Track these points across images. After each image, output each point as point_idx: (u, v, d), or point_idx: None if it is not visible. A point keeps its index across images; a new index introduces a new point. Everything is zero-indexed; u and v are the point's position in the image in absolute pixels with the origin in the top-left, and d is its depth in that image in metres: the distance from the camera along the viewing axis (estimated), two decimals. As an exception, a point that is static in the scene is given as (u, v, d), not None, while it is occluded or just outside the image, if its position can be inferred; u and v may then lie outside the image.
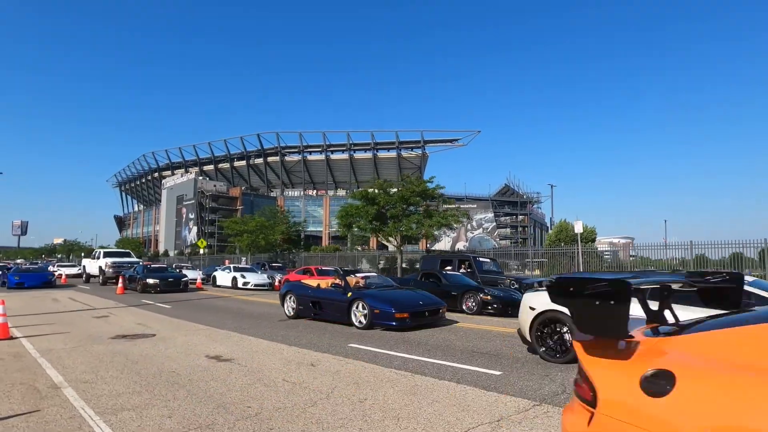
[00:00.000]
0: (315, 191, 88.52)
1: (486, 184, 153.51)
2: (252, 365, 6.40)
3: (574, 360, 6.21)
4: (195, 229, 75.44)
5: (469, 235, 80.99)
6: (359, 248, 46.30)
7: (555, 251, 22.75)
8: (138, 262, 24.51)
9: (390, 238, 26.53)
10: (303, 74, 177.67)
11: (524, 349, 7.30)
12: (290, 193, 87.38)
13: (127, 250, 30.16)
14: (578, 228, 18.59)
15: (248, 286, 22.06)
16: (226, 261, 34.37)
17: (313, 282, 11.54)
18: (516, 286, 15.34)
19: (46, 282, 23.93)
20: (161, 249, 79.57)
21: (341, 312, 9.84)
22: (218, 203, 78.38)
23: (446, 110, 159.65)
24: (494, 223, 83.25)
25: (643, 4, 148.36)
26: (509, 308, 12.43)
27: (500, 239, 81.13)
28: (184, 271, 24.38)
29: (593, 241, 23.59)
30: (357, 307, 9.52)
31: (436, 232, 27.36)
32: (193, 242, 72.41)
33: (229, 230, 40.27)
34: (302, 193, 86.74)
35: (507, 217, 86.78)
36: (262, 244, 35.98)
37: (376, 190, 25.97)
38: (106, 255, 25.14)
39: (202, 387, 5.29)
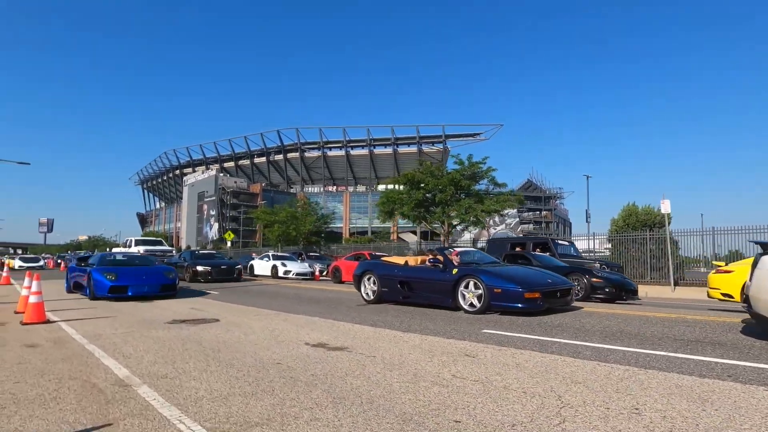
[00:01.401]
0: (335, 187, 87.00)
1: (508, 179, 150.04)
2: (383, 356, 4.53)
3: None
4: (216, 225, 74.53)
5: (492, 230, 78.52)
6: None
7: (624, 237, 20.49)
8: (171, 251, 23.08)
9: (435, 224, 24.53)
10: (324, 73, 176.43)
11: (738, 333, 5.29)
12: (310, 189, 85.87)
13: (159, 239, 28.83)
14: (665, 208, 16.33)
15: (290, 275, 20.27)
16: (254, 254, 32.73)
17: (398, 259, 9.64)
18: (607, 270, 13.26)
19: (167, 286, 11.04)
20: (183, 245, 78.73)
21: (443, 293, 7.93)
22: (239, 199, 77.31)
23: (468, 104, 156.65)
24: (517, 219, 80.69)
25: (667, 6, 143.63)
26: (623, 293, 10.47)
27: (523, 235, 78.57)
28: None
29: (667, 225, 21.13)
30: (467, 287, 7.58)
31: (488, 219, 25.26)
32: (215, 238, 71.45)
33: (259, 220, 38.80)
34: (322, 189, 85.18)
35: (530, 213, 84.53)
36: (293, 235, 34.26)
37: (423, 174, 23.95)
38: (138, 243, 23.73)
39: (344, 387, 3.45)
